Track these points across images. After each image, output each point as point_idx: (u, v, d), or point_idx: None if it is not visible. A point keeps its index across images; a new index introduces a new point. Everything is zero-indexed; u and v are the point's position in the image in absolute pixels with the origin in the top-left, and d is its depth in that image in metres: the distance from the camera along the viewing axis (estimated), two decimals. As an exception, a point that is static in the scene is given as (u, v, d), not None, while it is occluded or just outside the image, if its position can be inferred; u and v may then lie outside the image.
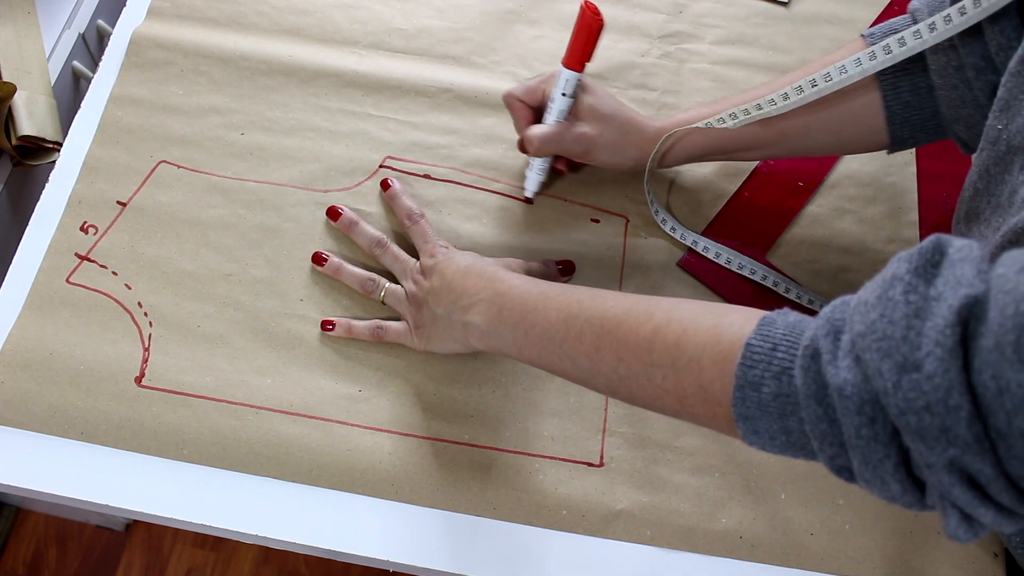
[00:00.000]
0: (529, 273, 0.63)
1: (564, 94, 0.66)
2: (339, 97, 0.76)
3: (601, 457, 0.64)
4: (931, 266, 0.37)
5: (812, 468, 0.64)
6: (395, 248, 0.68)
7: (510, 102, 0.69)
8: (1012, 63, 0.48)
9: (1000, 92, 0.49)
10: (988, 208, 0.50)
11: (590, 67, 0.79)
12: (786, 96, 0.62)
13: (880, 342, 0.36)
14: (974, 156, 0.53)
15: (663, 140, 0.67)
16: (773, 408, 0.42)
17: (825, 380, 0.39)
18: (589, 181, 0.74)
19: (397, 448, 0.64)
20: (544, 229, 0.72)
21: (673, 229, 0.72)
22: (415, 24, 0.80)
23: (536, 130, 0.67)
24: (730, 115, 0.65)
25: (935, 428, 0.35)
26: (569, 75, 0.66)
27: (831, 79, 0.60)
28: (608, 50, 0.81)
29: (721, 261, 0.71)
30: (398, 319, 0.66)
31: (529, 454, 0.64)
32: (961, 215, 0.54)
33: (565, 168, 0.74)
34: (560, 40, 0.80)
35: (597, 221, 0.73)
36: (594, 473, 0.64)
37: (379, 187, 0.72)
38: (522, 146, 0.69)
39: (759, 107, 0.63)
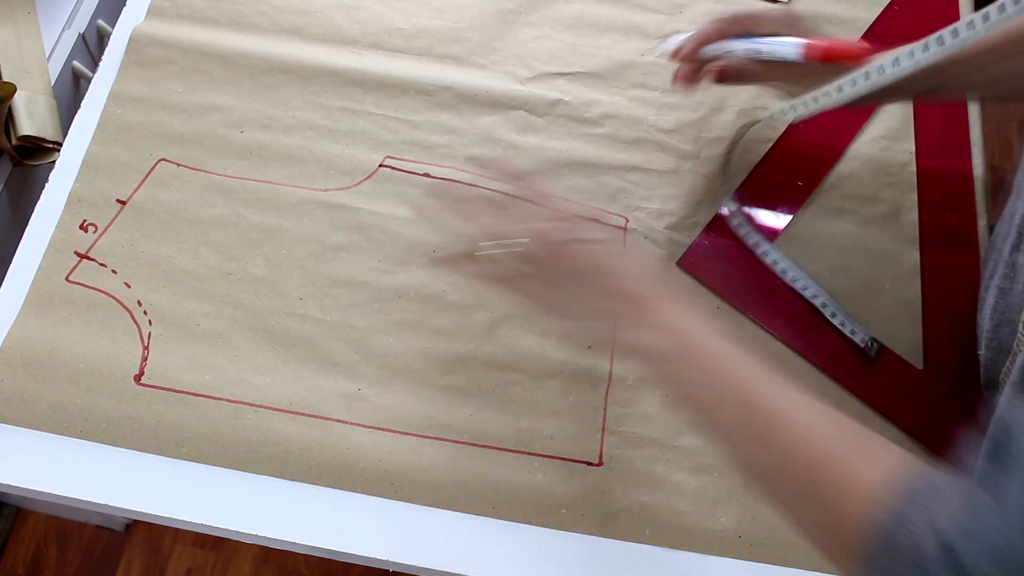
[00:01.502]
0: None
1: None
2: (339, 95, 0.76)
3: (600, 456, 0.64)
4: None
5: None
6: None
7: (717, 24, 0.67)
8: None
9: None
10: None
11: (588, 65, 0.80)
12: (926, 47, 0.57)
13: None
14: None
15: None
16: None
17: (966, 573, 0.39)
18: (589, 181, 0.74)
19: (396, 447, 0.63)
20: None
21: (747, 234, 0.71)
22: (415, 24, 0.81)
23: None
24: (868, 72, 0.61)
25: None
26: (797, 56, 0.64)
27: (975, 27, 0.55)
28: (607, 50, 0.81)
29: (777, 270, 0.71)
30: None
31: (528, 453, 0.64)
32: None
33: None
34: (559, 40, 0.80)
35: (596, 220, 0.73)
36: (593, 472, 0.64)
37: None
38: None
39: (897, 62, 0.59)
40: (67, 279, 0.67)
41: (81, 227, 0.69)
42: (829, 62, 0.64)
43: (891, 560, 0.41)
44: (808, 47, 0.64)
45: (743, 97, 0.79)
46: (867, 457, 0.45)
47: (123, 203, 0.70)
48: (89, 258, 0.68)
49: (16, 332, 0.65)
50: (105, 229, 0.69)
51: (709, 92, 0.79)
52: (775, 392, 0.50)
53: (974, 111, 0.79)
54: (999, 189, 0.72)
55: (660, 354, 0.54)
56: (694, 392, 0.53)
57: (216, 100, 0.75)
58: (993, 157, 1.56)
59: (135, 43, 0.77)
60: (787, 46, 0.65)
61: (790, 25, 0.66)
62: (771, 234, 0.73)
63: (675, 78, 0.70)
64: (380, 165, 0.73)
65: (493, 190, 0.73)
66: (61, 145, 0.74)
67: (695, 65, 0.69)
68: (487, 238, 0.59)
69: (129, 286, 0.67)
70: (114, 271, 0.68)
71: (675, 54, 0.70)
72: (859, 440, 0.47)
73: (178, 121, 0.74)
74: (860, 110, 0.78)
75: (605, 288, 0.56)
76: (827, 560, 0.46)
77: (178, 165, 0.72)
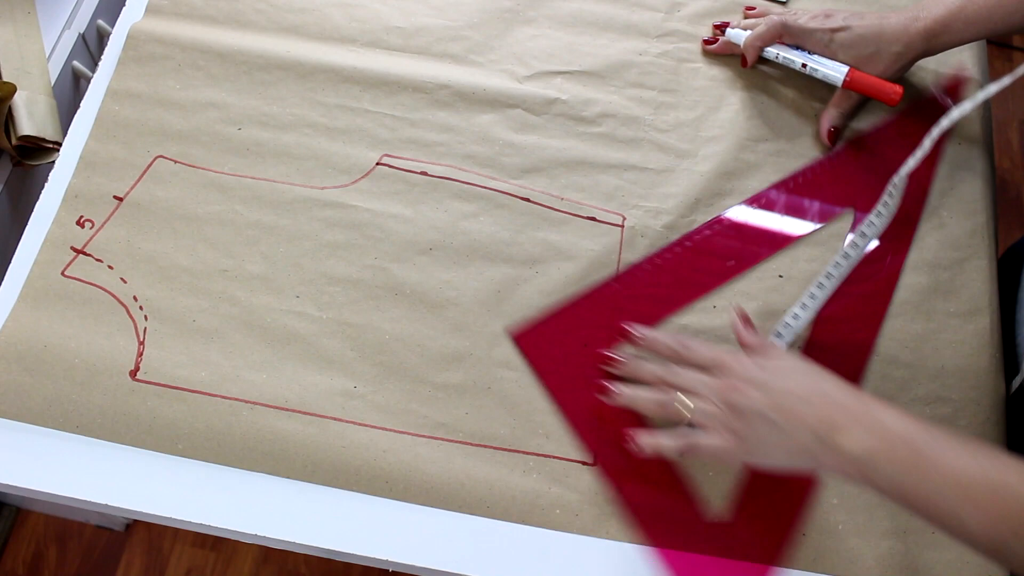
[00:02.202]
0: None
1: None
2: (336, 92, 0.76)
3: (595, 456, 0.64)
4: None
5: (807, 467, 0.64)
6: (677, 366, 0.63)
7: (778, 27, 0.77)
8: None
9: None
10: None
11: (586, 64, 0.80)
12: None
13: None
14: None
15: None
16: None
17: None
18: (586, 180, 0.74)
19: (392, 445, 0.63)
20: (541, 227, 0.72)
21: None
22: (413, 22, 0.81)
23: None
24: None
25: None
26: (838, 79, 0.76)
27: None
28: (605, 49, 0.81)
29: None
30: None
31: (523, 452, 0.64)
32: None
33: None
34: (557, 38, 0.81)
35: (593, 219, 0.72)
36: (588, 472, 0.64)
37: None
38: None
39: None
40: (63, 274, 0.67)
41: (78, 223, 0.69)
42: (864, 93, 0.76)
43: None
44: (851, 76, 0.75)
45: (741, 97, 0.79)
46: None
47: (120, 199, 0.71)
48: (85, 253, 0.68)
49: (11, 326, 0.65)
50: (102, 225, 0.69)
51: (707, 92, 0.79)
52: (1013, 470, 0.50)
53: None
54: (1000, 189, 0.72)
55: (878, 457, 0.53)
56: (926, 491, 0.52)
57: (213, 97, 0.75)
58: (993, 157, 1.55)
59: (133, 40, 0.77)
60: (835, 71, 0.75)
61: (828, 47, 0.76)
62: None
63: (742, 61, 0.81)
64: (377, 163, 0.73)
65: (492, 189, 0.73)
66: (61, 145, 0.74)
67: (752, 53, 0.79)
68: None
69: (125, 282, 0.67)
70: (110, 267, 0.68)
71: (720, 48, 0.81)
72: None
73: (175, 118, 0.74)
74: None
75: (800, 420, 0.56)
76: None
77: (175, 162, 0.72)
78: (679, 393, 0.61)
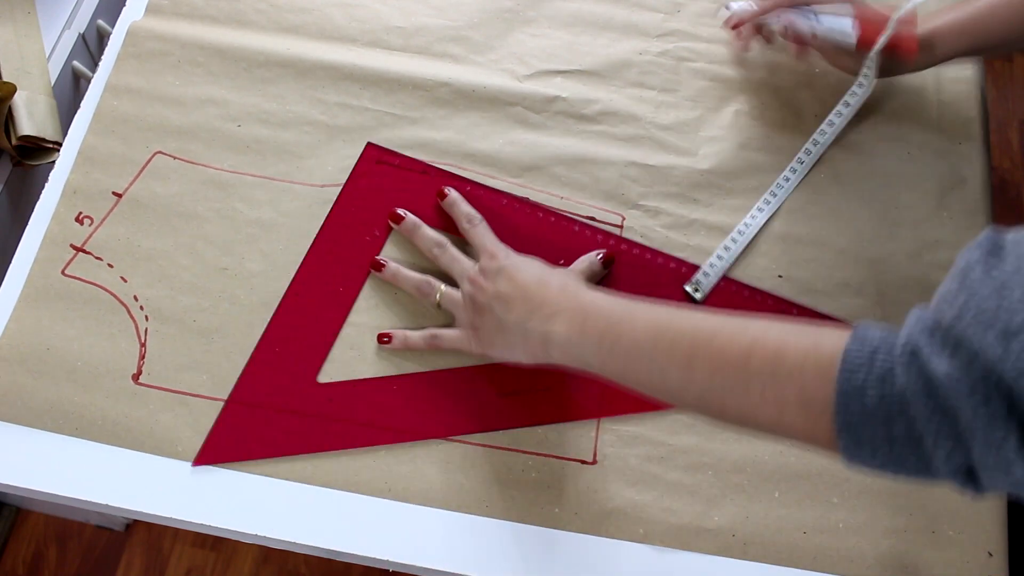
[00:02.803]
0: (587, 274, 0.66)
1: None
2: (336, 90, 0.76)
3: (594, 455, 0.64)
4: (998, 248, 0.39)
5: (806, 466, 0.64)
6: (454, 250, 0.67)
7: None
8: None
9: None
10: None
11: (586, 63, 0.80)
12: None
13: (978, 317, 0.37)
14: None
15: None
16: (878, 413, 0.41)
17: (930, 373, 0.39)
18: (586, 178, 0.74)
19: (390, 445, 0.63)
20: (540, 225, 0.72)
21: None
22: (413, 22, 0.81)
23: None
24: None
25: None
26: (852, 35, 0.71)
27: None
28: (606, 48, 0.81)
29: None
30: (448, 325, 0.66)
31: (522, 451, 0.64)
32: None
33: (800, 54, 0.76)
34: (557, 38, 0.80)
35: (592, 219, 0.72)
36: (587, 471, 0.64)
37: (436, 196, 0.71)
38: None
39: None
40: (63, 273, 0.67)
41: (77, 219, 0.69)
42: (879, 48, 0.70)
43: (861, 385, 0.42)
44: (863, 31, 0.70)
45: (741, 98, 0.79)
46: (824, 328, 0.46)
47: (119, 195, 0.70)
48: (85, 251, 0.68)
49: (13, 327, 0.65)
50: (101, 222, 0.69)
51: (707, 92, 0.79)
52: (711, 315, 0.51)
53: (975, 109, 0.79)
54: (1000, 189, 0.72)
55: (580, 338, 0.55)
56: (624, 346, 0.53)
57: (213, 94, 0.75)
58: (993, 157, 1.55)
59: (132, 36, 0.77)
60: (845, 27, 0.71)
61: (844, 7, 0.72)
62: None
63: (733, 40, 0.78)
64: (376, 161, 0.73)
65: (490, 186, 0.73)
66: (61, 145, 0.74)
67: (750, 30, 0.76)
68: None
69: (125, 280, 0.67)
70: (110, 265, 0.68)
71: (730, 22, 0.77)
72: (811, 324, 0.47)
73: (175, 114, 0.74)
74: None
75: (530, 313, 0.58)
76: (810, 446, 0.46)
77: (174, 158, 0.72)
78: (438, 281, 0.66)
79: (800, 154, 0.75)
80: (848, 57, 0.74)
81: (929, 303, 0.42)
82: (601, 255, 0.69)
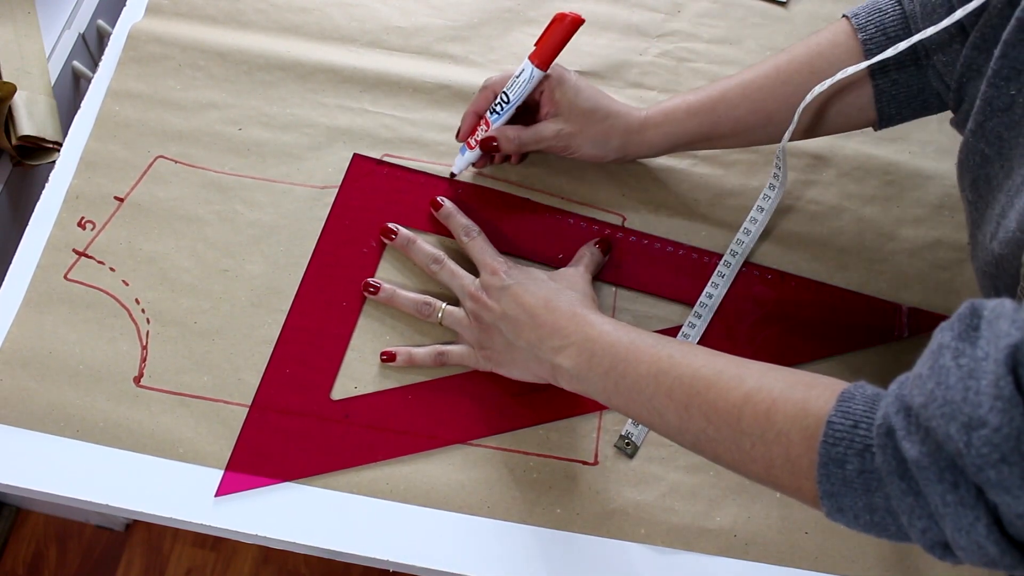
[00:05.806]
0: (591, 268, 0.66)
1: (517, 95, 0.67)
2: (336, 93, 0.76)
3: (595, 455, 0.64)
4: (972, 329, 0.38)
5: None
6: (452, 264, 0.67)
7: (487, 92, 0.69)
8: (1007, 34, 0.48)
9: (997, 63, 0.49)
10: (1002, 172, 0.50)
11: (587, 64, 0.80)
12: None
13: (942, 407, 0.37)
14: (969, 130, 0.52)
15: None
16: (858, 484, 0.42)
17: (903, 455, 0.40)
18: (586, 178, 0.74)
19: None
20: (539, 225, 0.72)
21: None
22: (413, 22, 0.81)
23: (512, 130, 0.68)
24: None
25: (1016, 476, 0.35)
26: (536, 73, 0.66)
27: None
28: (606, 48, 0.81)
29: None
30: (453, 341, 0.66)
31: (524, 452, 0.64)
32: (967, 184, 0.54)
33: (517, 161, 0.73)
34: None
35: (593, 219, 0.72)
36: (588, 471, 0.64)
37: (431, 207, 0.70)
38: (476, 140, 0.69)
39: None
40: (65, 277, 0.67)
41: (79, 224, 0.69)
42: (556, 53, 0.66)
43: (841, 458, 0.43)
44: (535, 55, 0.66)
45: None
46: (816, 386, 0.47)
47: (121, 200, 0.70)
48: (87, 256, 0.68)
49: (16, 331, 0.65)
50: (103, 226, 0.69)
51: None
52: (713, 359, 0.51)
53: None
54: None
55: (586, 370, 0.56)
56: (628, 385, 0.54)
57: (214, 97, 0.75)
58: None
59: (133, 40, 0.77)
60: (523, 72, 0.66)
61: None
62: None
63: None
64: (377, 163, 0.73)
65: (489, 187, 0.73)
66: (61, 145, 0.74)
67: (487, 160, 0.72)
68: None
69: (127, 284, 0.67)
70: (112, 269, 0.68)
71: (464, 170, 0.72)
72: (806, 377, 0.48)
73: (176, 118, 0.74)
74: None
75: (540, 341, 0.59)
76: (795, 496, 0.47)
77: (176, 162, 0.72)
78: (437, 300, 0.66)
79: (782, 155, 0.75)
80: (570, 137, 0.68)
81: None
82: (597, 242, 0.69)
